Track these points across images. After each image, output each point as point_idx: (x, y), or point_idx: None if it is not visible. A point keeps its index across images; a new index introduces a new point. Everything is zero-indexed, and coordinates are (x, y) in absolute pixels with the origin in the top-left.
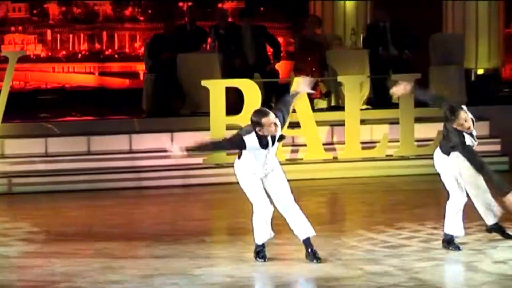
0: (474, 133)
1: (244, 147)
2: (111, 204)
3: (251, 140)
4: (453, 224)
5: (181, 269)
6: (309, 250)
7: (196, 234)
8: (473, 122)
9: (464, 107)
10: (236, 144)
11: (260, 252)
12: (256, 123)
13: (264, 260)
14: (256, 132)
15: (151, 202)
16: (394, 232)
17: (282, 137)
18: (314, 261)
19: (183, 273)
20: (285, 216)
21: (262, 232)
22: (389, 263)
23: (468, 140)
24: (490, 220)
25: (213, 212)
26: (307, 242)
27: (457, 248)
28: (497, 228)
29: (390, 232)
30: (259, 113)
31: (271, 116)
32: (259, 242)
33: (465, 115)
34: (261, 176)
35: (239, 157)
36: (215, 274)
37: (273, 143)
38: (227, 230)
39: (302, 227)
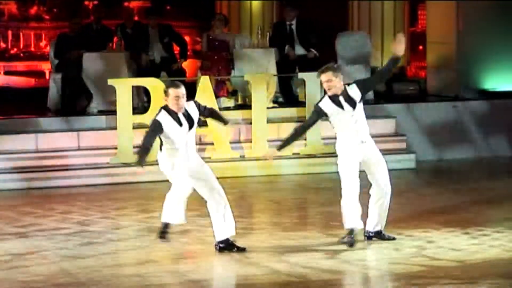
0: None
1: (160, 126)
2: (19, 204)
3: (163, 116)
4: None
5: (89, 269)
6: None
7: (103, 233)
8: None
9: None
10: (153, 127)
11: (163, 232)
12: (164, 91)
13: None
14: (165, 109)
15: (58, 202)
16: (301, 230)
17: (199, 121)
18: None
19: (92, 274)
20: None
21: (171, 211)
22: (295, 260)
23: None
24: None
25: (120, 211)
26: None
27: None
28: None
29: (298, 230)
30: (171, 83)
31: (180, 90)
32: (164, 220)
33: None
34: (187, 172)
35: (160, 149)
36: (122, 275)
37: (190, 127)
38: (134, 229)
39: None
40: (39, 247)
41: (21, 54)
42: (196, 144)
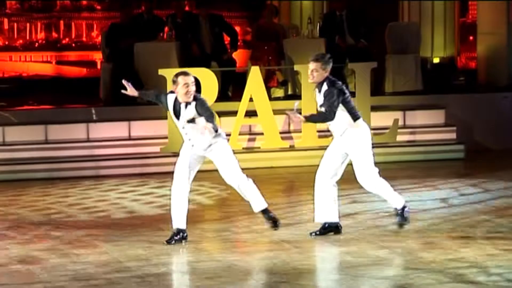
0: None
1: (163, 99)
2: (69, 192)
3: (170, 98)
4: None
5: (138, 257)
6: (267, 216)
7: (154, 223)
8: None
9: None
10: (161, 94)
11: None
12: (172, 80)
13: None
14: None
15: (109, 191)
16: (350, 217)
17: (192, 121)
18: (273, 226)
19: (140, 261)
20: (237, 190)
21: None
22: (347, 249)
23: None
24: None
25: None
26: (264, 211)
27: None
28: None
29: (348, 218)
30: (180, 72)
31: (189, 79)
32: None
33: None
34: (195, 152)
35: None
36: (173, 262)
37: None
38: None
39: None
40: (90, 235)
41: (73, 44)
42: (247, 134)
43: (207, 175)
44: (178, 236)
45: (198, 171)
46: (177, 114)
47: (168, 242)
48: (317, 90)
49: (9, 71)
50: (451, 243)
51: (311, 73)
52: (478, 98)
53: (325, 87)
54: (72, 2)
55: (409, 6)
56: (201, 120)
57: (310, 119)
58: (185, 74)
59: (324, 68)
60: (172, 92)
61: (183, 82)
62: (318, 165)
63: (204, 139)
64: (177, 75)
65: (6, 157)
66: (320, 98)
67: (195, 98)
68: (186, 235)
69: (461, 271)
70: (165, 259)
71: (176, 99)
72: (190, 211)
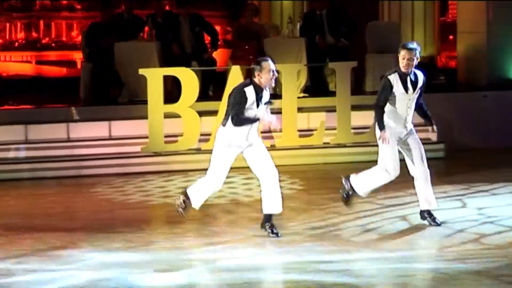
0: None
1: (245, 99)
2: (50, 193)
3: (250, 91)
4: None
5: (119, 258)
6: (266, 224)
7: (135, 223)
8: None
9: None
10: (239, 98)
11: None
12: (257, 63)
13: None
14: (253, 83)
15: (90, 191)
16: (331, 218)
17: (270, 103)
18: (271, 235)
19: (121, 262)
20: (262, 187)
21: (200, 198)
22: (327, 249)
23: None
24: None
25: (152, 200)
26: (267, 217)
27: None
28: None
29: (329, 218)
30: (262, 58)
31: (272, 64)
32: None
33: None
34: (240, 149)
35: (224, 124)
36: (153, 262)
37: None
38: (166, 218)
39: (270, 202)
40: (73, 237)
41: (53, 44)
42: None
43: None
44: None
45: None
46: (258, 103)
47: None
48: (409, 78)
49: None
50: None
51: (408, 62)
52: (458, 97)
53: (421, 74)
54: (52, 2)
55: (389, 6)
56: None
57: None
58: (267, 60)
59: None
60: (249, 84)
61: (268, 68)
62: (298, 165)
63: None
64: (261, 60)
65: None
66: (411, 87)
67: None
68: None
69: None
70: None
71: (256, 88)
72: None
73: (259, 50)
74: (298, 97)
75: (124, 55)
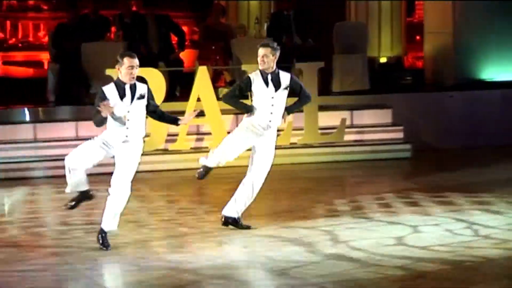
0: None
1: (250, 82)
2: (18, 193)
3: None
4: None
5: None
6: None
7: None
8: None
9: None
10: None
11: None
12: (116, 60)
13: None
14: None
15: (57, 191)
16: (297, 220)
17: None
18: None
19: (90, 262)
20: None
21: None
22: (291, 249)
23: None
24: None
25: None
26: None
27: None
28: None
29: (294, 219)
30: (126, 52)
31: (133, 61)
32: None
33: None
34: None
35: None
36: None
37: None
38: (132, 221)
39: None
40: (38, 237)
41: (20, 44)
42: (195, 134)
43: None
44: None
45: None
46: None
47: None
48: (269, 76)
49: None
50: None
51: (261, 59)
52: (424, 97)
53: (287, 74)
54: (19, 2)
55: (356, 6)
56: None
57: (295, 107)
58: (131, 55)
59: (274, 55)
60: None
61: (128, 63)
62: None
63: None
64: (122, 55)
65: None
66: (271, 86)
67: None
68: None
69: None
70: None
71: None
72: None
73: (226, 51)
74: None
75: (91, 56)
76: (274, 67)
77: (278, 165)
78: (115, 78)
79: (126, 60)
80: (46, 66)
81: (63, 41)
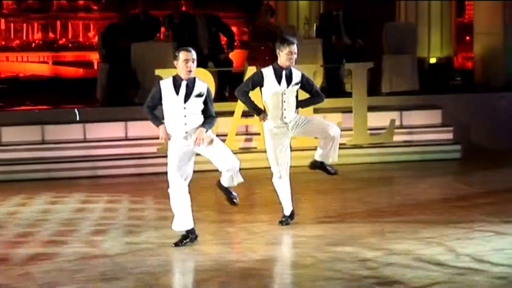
0: None
1: (160, 90)
2: (65, 193)
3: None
4: None
5: (136, 260)
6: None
7: (151, 224)
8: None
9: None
10: (154, 89)
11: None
12: (175, 54)
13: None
14: (173, 77)
15: (105, 191)
16: (346, 221)
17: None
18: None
19: (139, 262)
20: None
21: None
22: (341, 250)
23: None
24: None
25: (166, 201)
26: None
27: None
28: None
29: (343, 220)
30: (183, 48)
31: (189, 54)
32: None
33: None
34: (184, 148)
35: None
36: (170, 263)
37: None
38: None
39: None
40: (80, 235)
41: (70, 45)
42: (244, 134)
43: None
44: (188, 239)
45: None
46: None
47: (177, 244)
48: (283, 72)
49: (5, 72)
50: None
51: (293, 56)
52: (474, 98)
53: (297, 72)
54: (69, 2)
55: (406, 6)
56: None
57: (307, 103)
58: (187, 50)
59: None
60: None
61: (184, 57)
62: None
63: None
64: (179, 50)
65: (3, 157)
66: (284, 83)
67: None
68: (196, 236)
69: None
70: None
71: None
72: None
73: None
74: None
75: (141, 56)
76: None
77: None
78: (163, 78)
79: (181, 54)
80: (95, 66)
81: (113, 41)
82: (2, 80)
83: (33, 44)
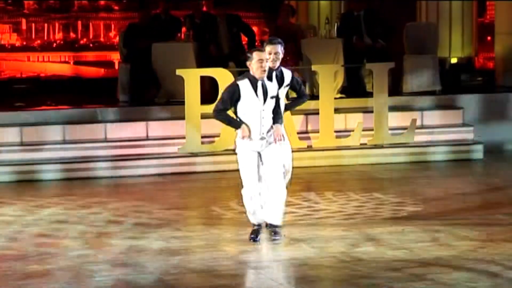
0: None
1: (238, 91)
2: (86, 194)
3: (244, 84)
4: None
5: (157, 259)
6: (272, 232)
7: (172, 224)
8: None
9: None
10: (231, 90)
11: (252, 233)
12: (248, 55)
13: (255, 241)
14: (248, 78)
15: (127, 191)
16: (367, 221)
17: (276, 97)
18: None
19: (159, 262)
20: (265, 194)
21: (252, 212)
22: (363, 250)
23: None
24: None
25: (188, 201)
26: (271, 227)
27: None
28: None
29: (364, 220)
30: (255, 48)
31: (263, 54)
32: (252, 221)
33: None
34: (257, 148)
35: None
36: (191, 262)
37: (265, 98)
38: (203, 219)
39: (271, 213)
40: (107, 235)
41: (91, 45)
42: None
43: None
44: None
45: None
46: (257, 93)
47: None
48: (273, 76)
49: (27, 71)
50: None
51: (275, 56)
52: (496, 98)
53: (288, 72)
54: (90, 2)
55: (426, 6)
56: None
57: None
58: (260, 50)
59: (282, 50)
60: (244, 78)
61: (258, 57)
62: (335, 165)
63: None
64: (253, 50)
65: (24, 157)
66: (274, 86)
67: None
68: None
69: None
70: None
71: (251, 81)
72: None
73: (297, 51)
74: (335, 98)
75: (162, 56)
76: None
77: (348, 166)
78: (185, 78)
79: (255, 55)
80: (116, 66)
81: (134, 41)
82: (24, 80)
83: (54, 44)
